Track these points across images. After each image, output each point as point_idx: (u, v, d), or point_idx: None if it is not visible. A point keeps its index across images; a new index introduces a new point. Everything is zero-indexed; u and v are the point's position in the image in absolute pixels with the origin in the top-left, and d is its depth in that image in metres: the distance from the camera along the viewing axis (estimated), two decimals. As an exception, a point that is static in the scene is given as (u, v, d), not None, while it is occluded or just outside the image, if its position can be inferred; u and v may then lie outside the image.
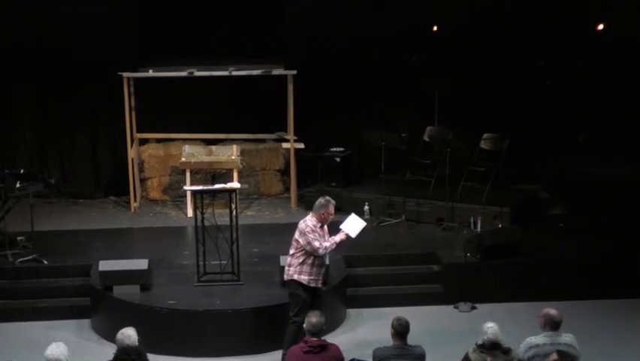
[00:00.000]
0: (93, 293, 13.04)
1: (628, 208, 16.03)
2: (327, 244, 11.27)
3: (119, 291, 12.67)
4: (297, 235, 11.36)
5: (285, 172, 17.45)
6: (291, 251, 11.42)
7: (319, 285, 11.51)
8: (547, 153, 17.70)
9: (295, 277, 11.37)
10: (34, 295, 13.53)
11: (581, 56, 17.40)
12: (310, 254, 11.25)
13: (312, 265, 11.32)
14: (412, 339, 9.15)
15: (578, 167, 17.68)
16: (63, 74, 16.90)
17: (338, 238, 11.40)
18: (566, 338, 8.97)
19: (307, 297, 11.39)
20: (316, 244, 11.18)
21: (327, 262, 11.70)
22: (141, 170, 17.16)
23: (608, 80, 17.41)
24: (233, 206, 12.84)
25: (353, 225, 11.58)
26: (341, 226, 11.58)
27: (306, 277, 11.34)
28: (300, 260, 11.33)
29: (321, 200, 11.44)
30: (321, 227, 11.36)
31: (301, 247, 11.29)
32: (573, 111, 17.91)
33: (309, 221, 11.32)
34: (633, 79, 17.45)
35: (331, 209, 11.32)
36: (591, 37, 16.92)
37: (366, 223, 11.81)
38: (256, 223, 15.85)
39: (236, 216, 12.90)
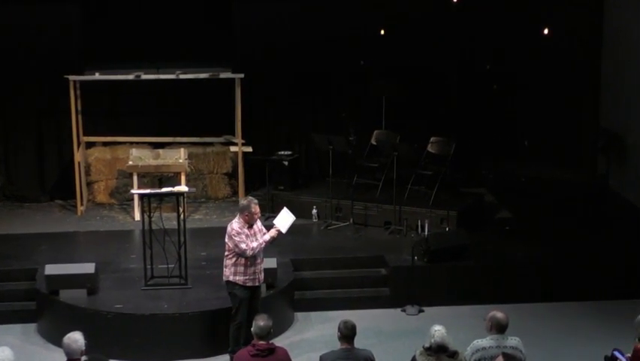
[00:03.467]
0: (39, 297, 12.93)
1: (573, 211, 16.19)
2: (254, 244, 11.29)
3: (66, 295, 12.59)
4: (226, 238, 11.44)
5: (232, 175, 17.39)
6: (225, 253, 11.50)
7: (257, 283, 11.59)
8: (494, 156, 17.82)
9: (231, 278, 11.50)
10: (-21, 300, 13.39)
11: (526, 61, 17.56)
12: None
13: (245, 265, 11.39)
14: (359, 342, 9.16)
15: (523, 170, 17.83)
16: (8, 75, 16.71)
17: (268, 236, 11.46)
18: (512, 341, 9.03)
19: (245, 296, 11.48)
20: (243, 246, 11.24)
21: (262, 259, 11.67)
22: (88, 173, 17.00)
23: (552, 84, 17.57)
24: (181, 209, 12.82)
25: (284, 220, 11.64)
26: (274, 221, 11.66)
27: (241, 278, 11.43)
28: (233, 261, 11.42)
29: (243, 201, 11.53)
30: (250, 227, 11.38)
31: (231, 249, 11.35)
32: (519, 115, 18.04)
33: (235, 224, 11.37)
34: (576, 83, 17.64)
35: (254, 208, 11.33)
36: (536, 42, 17.03)
37: (295, 218, 11.84)
38: (204, 227, 15.80)
39: (184, 220, 12.89)
